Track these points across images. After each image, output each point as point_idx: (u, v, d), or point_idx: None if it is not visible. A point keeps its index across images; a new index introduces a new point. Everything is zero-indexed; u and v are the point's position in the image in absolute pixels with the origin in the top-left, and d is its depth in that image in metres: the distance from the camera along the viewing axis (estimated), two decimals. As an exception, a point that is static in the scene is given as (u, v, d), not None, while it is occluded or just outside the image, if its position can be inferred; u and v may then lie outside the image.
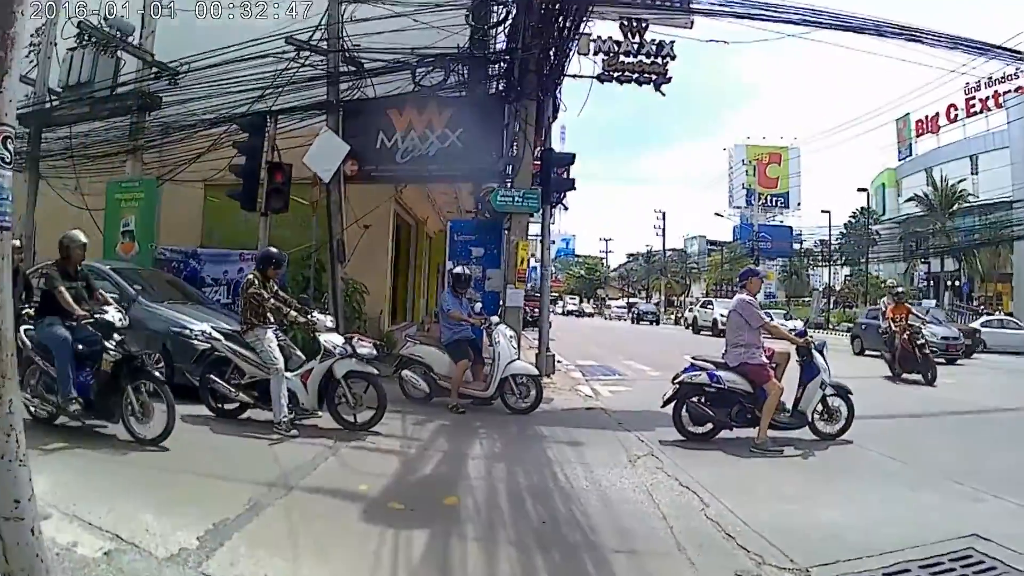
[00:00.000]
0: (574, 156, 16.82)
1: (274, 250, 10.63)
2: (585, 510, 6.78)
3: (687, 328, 53.95)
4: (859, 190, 72.42)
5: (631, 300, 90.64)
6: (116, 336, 8.64)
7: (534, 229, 22.47)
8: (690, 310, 57.16)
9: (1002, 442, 11.33)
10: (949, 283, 60.28)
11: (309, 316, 10.05)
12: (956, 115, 64.44)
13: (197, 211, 18.91)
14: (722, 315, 41.46)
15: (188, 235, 18.23)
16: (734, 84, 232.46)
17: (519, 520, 6.50)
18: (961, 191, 59.23)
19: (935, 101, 63.55)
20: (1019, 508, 7.18)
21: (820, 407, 10.54)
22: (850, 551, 5.78)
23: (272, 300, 9.99)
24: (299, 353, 10.44)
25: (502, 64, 16.22)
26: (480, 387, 12.26)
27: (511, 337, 12.47)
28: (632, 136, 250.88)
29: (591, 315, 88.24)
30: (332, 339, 10.04)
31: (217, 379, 10.06)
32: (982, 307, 51.92)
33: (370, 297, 17.49)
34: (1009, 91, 56.40)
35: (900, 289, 21.77)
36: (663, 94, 16.05)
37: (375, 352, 10.31)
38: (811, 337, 10.98)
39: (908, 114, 69.74)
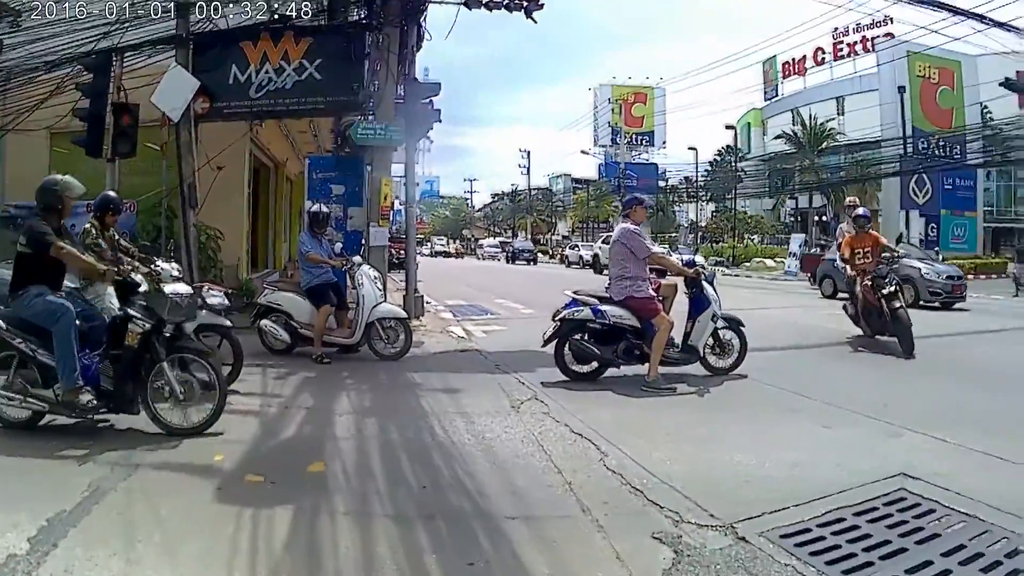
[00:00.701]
0: (439, 85, 15.95)
1: (112, 194, 9.61)
2: (470, 469, 6.15)
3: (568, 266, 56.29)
4: (727, 127, 74.27)
5: (503, 240, 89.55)
6: (141, 302, 7.47)
7: (397, 170, 21.12)
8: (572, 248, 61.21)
9: (905, 372, 11.22)
10: (816, 219, 61.67)
11: (152, 266, 8.99)
12: (823, 58, 67.72)
13: (43, 162, 17.25)
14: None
15: (35, 189, 16.38)
16: (598, 28, 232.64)
17: (396, 486, 5.79)
18: (830, 130, 61.40)
19: (800, 45, 65.87)
20: (939, 443, 6.95)
21: (712, 341, 10.22)
22: (773, 500, 5.34)
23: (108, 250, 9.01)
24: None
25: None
26: (345, 334, 11.57)
27: (376, 279, 11.78)
28: (494, 79, 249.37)
29: (459, 255, 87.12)
30: (178, 290, 8.99)
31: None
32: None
33: (227, 244, 16.45)
34: (878, 36, 59.19)
35: (861, 210, 14.26)
36: (535, 21, 15.15)
37: (227, 302, 9.43)
38: (701, 267, 10.48)
39: (775, 56, 71.85)
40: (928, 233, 48.25)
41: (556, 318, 9.84)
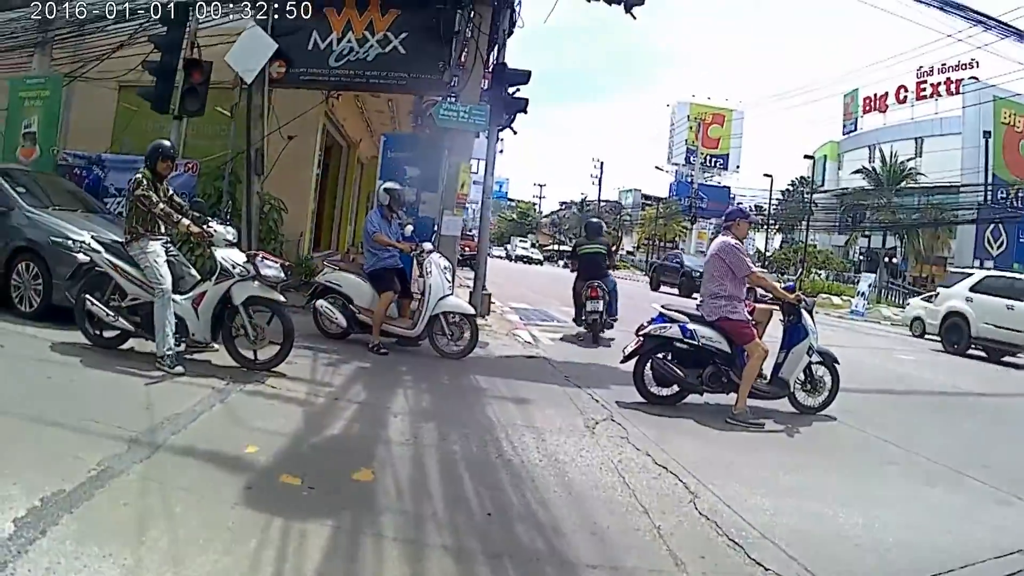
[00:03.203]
0: (529, 74, 14.90)
1: (165, 142, 8.61)
2: (543, 497, 5.22)
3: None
4: (805, 157, 72.21)
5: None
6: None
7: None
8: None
9: (997, 431, 10.44)
10: (886, 260, 59.98)
11: (204, 226, 8.21)
12: (905, 96, 65.15)
13: (109, 114, 16.84)
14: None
15: (98, 140, 16.00)
16: (676, 44, 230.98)
17: (456, 511, 4.84)
18: (910, 169, 59.58)
19: (882, 80, 64.58)
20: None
21: (803, 376, 9.24)
22: (890, 572, 4.63)
23: (162, 205, 8.12)
24: (194, 272, 8.75)
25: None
26: (406, 324, 10.66)
27: (445, 269, 10.84)
28: (569, 88, 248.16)
29: (539, 262, 79.97)
30: (231, 256, 8.23)
31: (94, 300, 8.19)
32: (913, 286, 52.60)
33: (290, 217, 15.64)
34: (963, 78, 57.36)
35: None
36: (634, 16, 14.16)
37: (283, 275, 8.51)
38: (801, 294, 9.49)
39: (856, 89, 69.85)
40: None
41: (639, 333, 8.89)
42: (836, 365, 9.42)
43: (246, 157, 13.90)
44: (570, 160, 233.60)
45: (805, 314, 9.18)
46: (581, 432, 7.20)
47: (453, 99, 13.79)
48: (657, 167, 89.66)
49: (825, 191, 70.47)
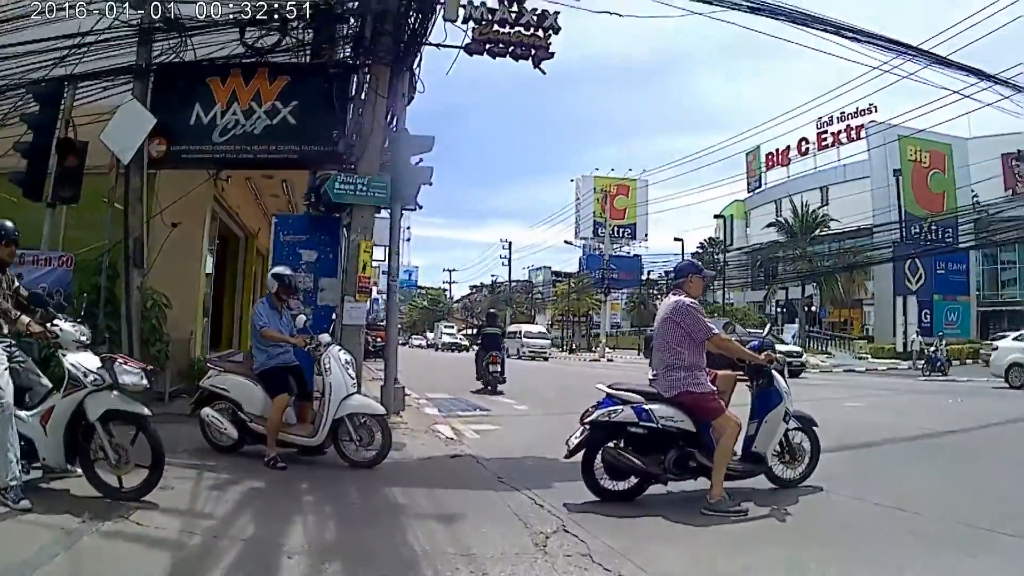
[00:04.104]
0: (432, 139, 13.67)
1: (7, 223, 7.28)
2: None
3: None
4: (715, 216, 74.95)
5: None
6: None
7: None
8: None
9: (992, 473, 9.63)
10: (806, 309, 60.72)
11: (48, 325, 6.67)
12: (807, 148, 67.52)
13: (-15, 203, 14.98)
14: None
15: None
16: (577, 119, 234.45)
17: None
18: (822, 217, 60.86)
19: (782, 135, 68.98)
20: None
21: (779, 446, 8.04)
22: None
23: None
24: (45, 382, 7.11)
25: (351, 22, 13.23)
26: (307, 431, 9.09)
27: (348, 364, 9.25)
28: (471, 171, 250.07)
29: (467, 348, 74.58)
30: (82, 361, 6.66)
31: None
32: (833, 332, 56.80)
33: (178, 314, 13.99)
34: (862, 124, 60.41)
35: None
36: (543, 72, 13.08)
37: (146, 382, 6.93)
38: (772, 353, 8.24)
39: (759, 147, 71.65)
40: (922, 319, 48.38)
41: (585, 421, 7.49)
42: (815, 428, 8.28)
43: (124, 247, 12.46)
44: (477, 247, 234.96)
45: (777, 375, 7.98)
46: (531, 554, 5.74)
47: (352, 169, 12.38)
48: (567, 241, 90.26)
49: (737, 249, 71.84)
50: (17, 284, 7.29)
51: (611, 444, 7.39)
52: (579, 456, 7.50)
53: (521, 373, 32.00)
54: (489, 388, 20.72)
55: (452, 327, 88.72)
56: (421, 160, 13.60)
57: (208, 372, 9.66)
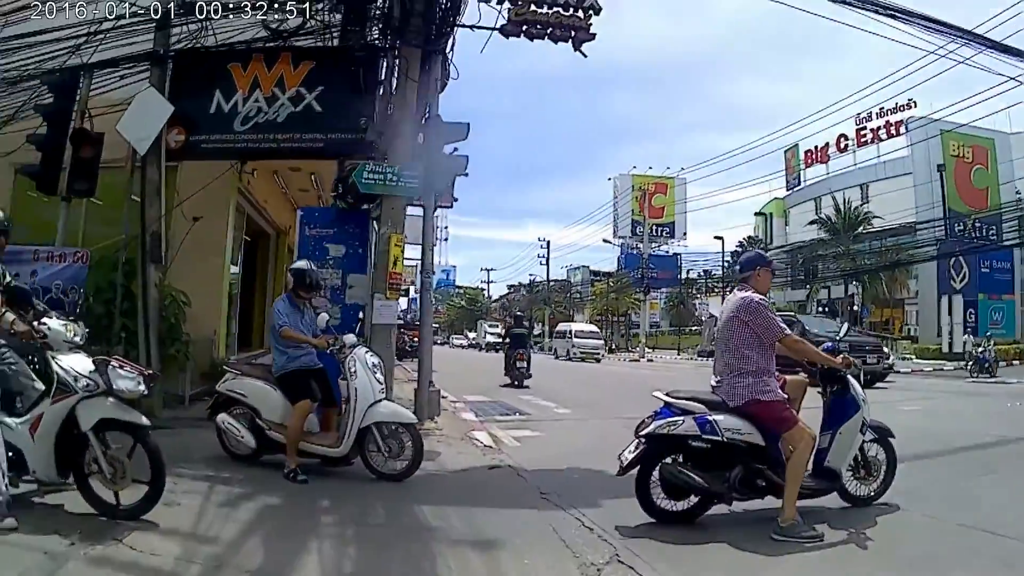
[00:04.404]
0: (468, 127, 12.74)
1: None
2: None
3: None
4: (756, 214, 74.17)
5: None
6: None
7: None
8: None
9: None
10: (851, 308, 59.47)
11: (36, 323, 5.94)
12: (847, 145, 65.73)
13: (4, 197, 14.27)
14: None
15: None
16: (614, 118, 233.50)
17: None
18: (865, 214, 59.58)
19: (819, 132, 68.21)
20: None
21: (854, 460, 7.12)
22: None
23: None
24: (39, 385, 6.32)
25: (379, 2, 12.36)
26: (330, 440, 8.27)
27: (375, 367, 8.38)
28: (508, 172, 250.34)
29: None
30: (74, 364, 5.90)
31: None
32: (872, 332, 52.20)
33: (200, 313, 13.29)
34: (902, 120, 58.92)
35: None
36: (584, 54, 12.21)
37: (143, 388, 6.14)
38: (849, 356, 7.28)
39: (797, 144, 69.96)
40: (967, 318, 46.64)
41: (640, 433, 6.59)
42: (891, 440, 7.39)
43: (140, 242, 11.75)
44: (515, 246, 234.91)
45: (853, 382, 7.08)
46: (580, 589, 4.87)
47: (380, 160, 11.57)
48: (605, 240, 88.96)
49: (776, 247, 70.56)
50: (9, 279, 6.54)
51: (669, 459, 6.54)
52: (632, 471, 6.61)
53: (561, 375, 31.25)
54: (516, 383, 22.97)
55: (497, 325, 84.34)
56: (456, 149, 12.76)
57: (225, 375, 8.89)
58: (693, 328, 78.36)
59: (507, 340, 25.93)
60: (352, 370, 8.09)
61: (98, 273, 12.10)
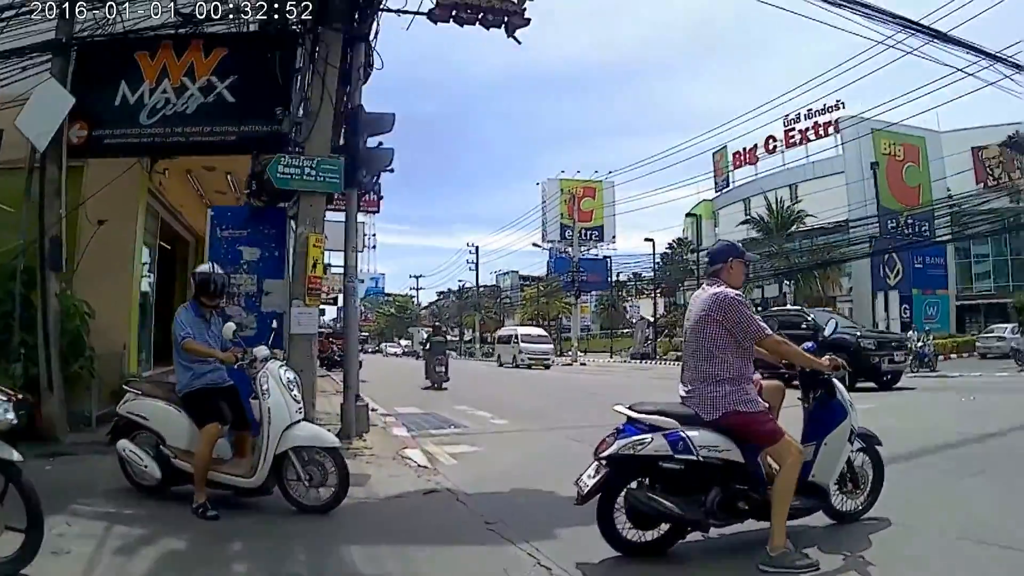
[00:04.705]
0: (393, 117, 11.77)
1: None
2: None
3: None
4: (688, 215, 74.82)
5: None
6: None
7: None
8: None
9: None
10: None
11: None
12: (775, 146, 67.25)
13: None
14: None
15: None
16: (543, 125, 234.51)
17: None
18: (798, 212, 60.01)
19: (743, 134, 70.57)
20: None
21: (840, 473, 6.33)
22: None
23: None
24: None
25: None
26: (242, 469, 7.24)
27: (291, 382, 7.37)
28: (436, 181, 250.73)
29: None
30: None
31: None
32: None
33: (108, 325, 12.18)
34: (830, 120, 60.97)
35: None
36: (518, 41, 11.40)
37: (12, 415, 5.17)
38: (836, 357, 6.35)
39: (725, 146, 70.86)
40: (902, 314, 47.84)
41: (601, 455, 5.66)
42: (878, 448, 6.73)
43: (39, 248, 10.67)
44: (442, 254, 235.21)
45: (839, 385, 6.30)
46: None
47: (298, 151, 10.53)
48: (535, 244, 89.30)
49: (706, 249, 70.17)
50: None
51: (635, 484, 5.66)
52: (593, 499, 5.71)
53: (492, 381, 30.54)
54: (435, 385, 26.13)
55: (431, 329, 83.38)
56: (381, 144, 11.83)
57: (125, 395, 7.82)
58: (624, 331, 78.57)
59: (428, 347, 28.86)
60: (264, 387, 7.10)
61: (-3, 283, 11.04)
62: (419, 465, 9.88)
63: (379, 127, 11.53)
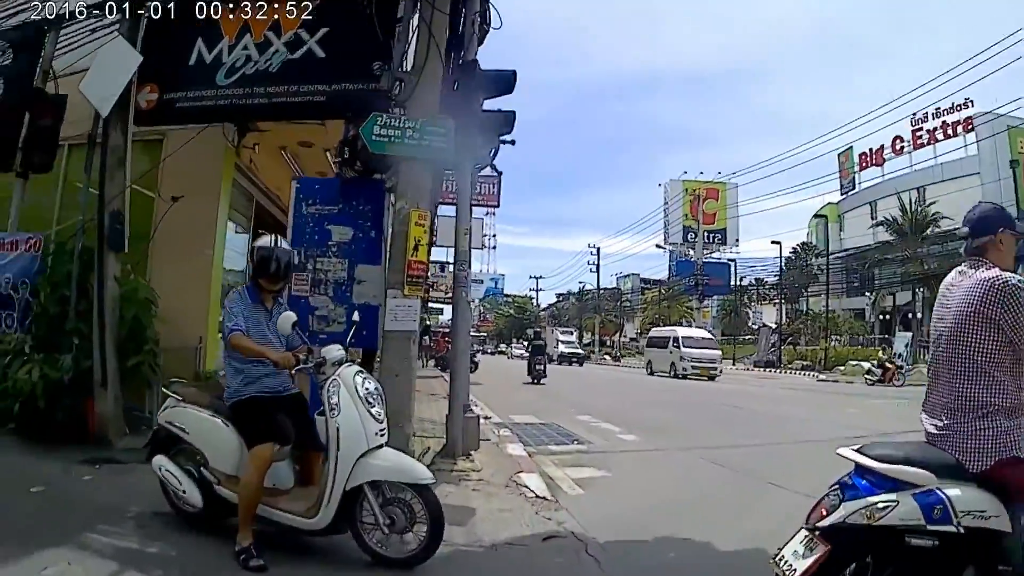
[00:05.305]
0: (514, 76, 9.60)
1: None
2: None
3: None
4: (816, 216, 73.20)
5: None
6: None
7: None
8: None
9: None
10: (910, 315, 57.92)
11: None
12: (902, 147, 64.77)
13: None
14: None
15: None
16: (662, 127, 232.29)
17: None
18: (933, 214, 56.44)
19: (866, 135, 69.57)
20: None
21: None
22: None
23: None
24: None
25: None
26: (303, 505, 5.42)
27: (371, 395, 5.48)
28: (555, 183, 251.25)
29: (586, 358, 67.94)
30: None
31: None
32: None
33: (181, 315, 10.73)
34: (959, 120, 58.45)
35: None
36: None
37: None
38: None
39: (851, 146, 68.82)
40: None
41: (819, 525, 3.74)
42: None
43: (98, 224, 9.29)
44: (565, 253, 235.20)
45: None
46: None
47: (400, 112, 8.70)
48: (658, 245, 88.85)
49: (832, 253, 67.51)
50: None
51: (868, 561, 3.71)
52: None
53: (609, 389, 28.90)
54: (534, 380, 31.14)
55: (571, 333, 79.33)
56: (500, 111, 9.90)
57: (166, 401, 6.14)
58: (746, 337, 75.71)
59: (529, 350, 35.56)
60: (333, 401, 5.27)
61: (55, 264, 9.83)
62: (537, 496, 7.92)
63: (497, 87, 9.62)
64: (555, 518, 7.04)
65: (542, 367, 31.52)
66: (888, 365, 36.54)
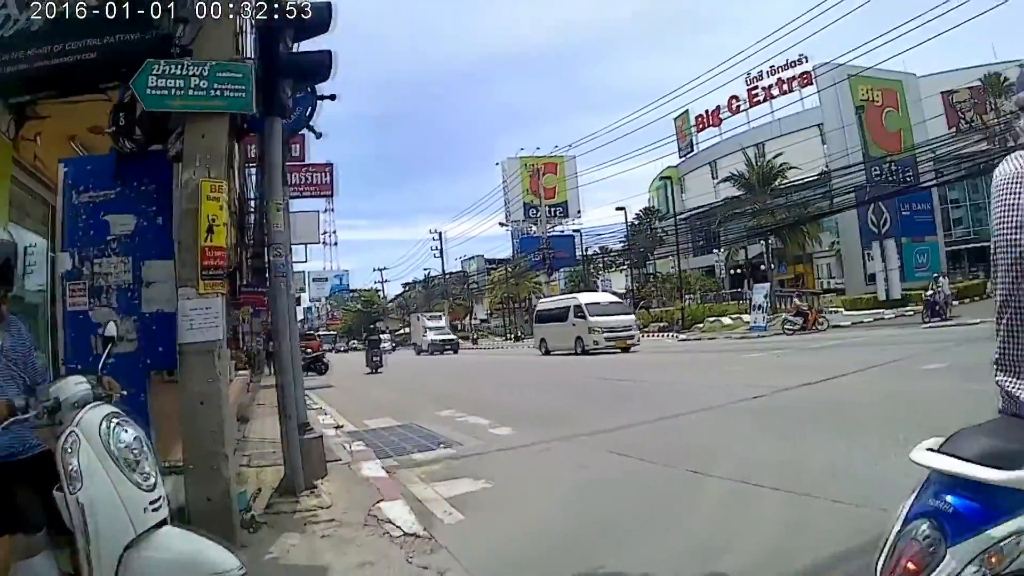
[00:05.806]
0: (330, 7, 7.58)
1: None
2: None
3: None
4: (662, 178, 73.96)
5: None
6: None
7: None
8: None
9: None
10: (762, 267, 59.78)
11: None
12: (738, 106, 66.77)
13: None
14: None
15: None
16: (500, 109, 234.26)
17: None
18: (782, 165, 58.39)
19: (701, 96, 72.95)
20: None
21: None
22: None
23: None
24: None
25: None
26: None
27: (131, 450, 3.52)
28: (389, 174, 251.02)
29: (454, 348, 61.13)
30: None
31: None
32: (796, 290, 52.99)
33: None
34: (793, 76, 61.22)
35: None
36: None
37: None
38: None
39: (687, 109, 70.87)
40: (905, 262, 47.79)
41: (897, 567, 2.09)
42: None
43: None
44: (408, 242, 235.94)
45: None
46: None
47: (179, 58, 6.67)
48: (501, 223, 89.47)
49: (685, 214, 70.70)
50: None
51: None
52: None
53: (478, 372, 27.52)
54: (373, 370, 35.24)
55: (440, 318, 72.82)
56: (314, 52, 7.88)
57: None
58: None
59: (367, 344, 40.09)
60: (70, 468, 3.34)
61: None
62: (405, 534, 6.07)
63: (312, 27, 7.68)
64: (433, 564, 5.32)
65: (378, 359, 36.43)
66: (808, 311, 35.81)
